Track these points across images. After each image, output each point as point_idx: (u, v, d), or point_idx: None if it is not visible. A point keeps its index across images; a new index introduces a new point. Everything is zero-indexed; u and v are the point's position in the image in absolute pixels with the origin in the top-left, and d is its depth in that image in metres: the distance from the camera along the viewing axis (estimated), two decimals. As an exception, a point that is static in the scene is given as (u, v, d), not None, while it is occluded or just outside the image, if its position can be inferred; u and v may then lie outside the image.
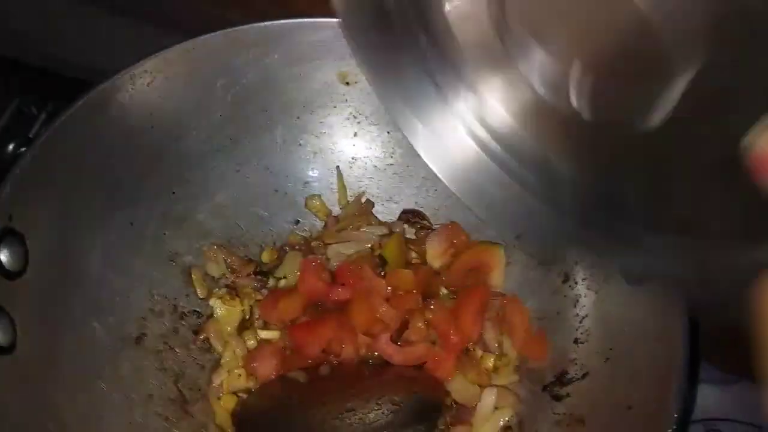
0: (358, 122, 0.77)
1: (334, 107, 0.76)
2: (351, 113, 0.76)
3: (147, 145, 0.69)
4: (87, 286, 0.63)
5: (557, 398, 0.64)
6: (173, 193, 0.71)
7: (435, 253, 0.74)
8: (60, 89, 0.77)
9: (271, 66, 0.71)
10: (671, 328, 0.57)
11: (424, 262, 0.74)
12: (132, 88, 0.66)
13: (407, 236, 0.77)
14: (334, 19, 0.48)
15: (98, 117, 0.64)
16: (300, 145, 0.77)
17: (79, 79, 0.78)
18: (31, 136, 0.81)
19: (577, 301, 0.67)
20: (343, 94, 0.75)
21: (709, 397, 0.81)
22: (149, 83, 0.67)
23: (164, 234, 0.71)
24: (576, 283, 0.68)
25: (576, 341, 0.66)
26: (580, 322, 0.66)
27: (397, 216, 0.79)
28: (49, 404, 0.55)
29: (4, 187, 0.57)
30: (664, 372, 0.56)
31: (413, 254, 0.75)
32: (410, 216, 0.79)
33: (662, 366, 0.57)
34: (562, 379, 0.65)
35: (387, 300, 0.68)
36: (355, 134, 0.77)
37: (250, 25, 0.68)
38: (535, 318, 0.70)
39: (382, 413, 0.58)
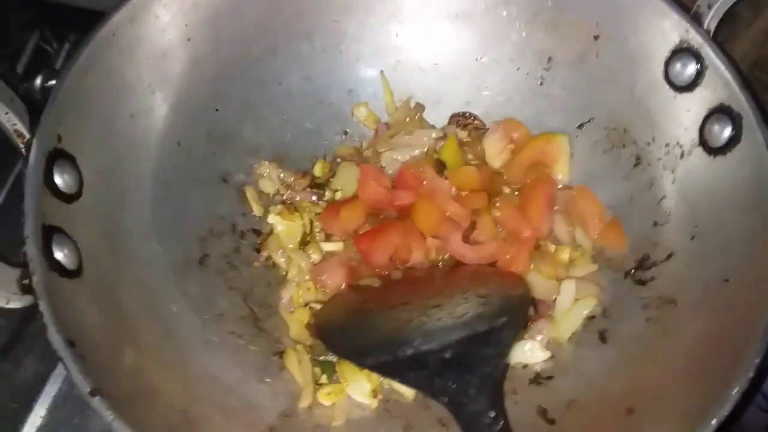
0: (399, 21, 0.73)
1: (373, 7, 0.72)
2: (391, 12, 0.72)
3: (184, 59, 0.65)
4: (143, 209, 0.61)
5: (641, 282, 0.62)
6: (216, 110, 0.68)
7: (494, 152, 0.71)
8: (77, 21, 0.73)
9: (305, -33, 0.67)
10: (764, 195, 0.54)
11: (484, 163, 0.71)
12: (162, 2, 0.62)
13: (461, 138, 0.73)
14: None
15: (131, 31, 0.60)
16: (341, 51, 0.73)
17: (95, 10, 0.74)
18: (57, 68, 0.78)
19: (653, 183, 0.64)
20: (382, -10, 0.70)
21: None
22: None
23: (213, 153, 0.68)
24: (649, 164, 0.65)
25: (655, 224, 0.63)
26: (658, 203, 0.63)
27: (447, 119, 0.75)
28: (124, 326, 0.53)
29: (50, 110, 0.53)
30: (762, 241, 0.53)
31: (470, 156, 0.72)
32: (460, 118, 0.75)
33: (758, 235, 0.54)
34: (644, 263, 0.63)
35: (453, 200, 0.65)
36: (397, 34, 0.73)
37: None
38: (609, 206, 0.67)
39: (470, 306, 0.56)
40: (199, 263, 0.64)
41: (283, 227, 0.66)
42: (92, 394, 0.45)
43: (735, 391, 0.46)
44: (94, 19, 0.59)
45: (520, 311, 0.58)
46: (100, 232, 0.56)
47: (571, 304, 0.63)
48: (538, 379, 0.61)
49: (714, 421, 0.45)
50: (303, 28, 0.70)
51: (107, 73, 0.59)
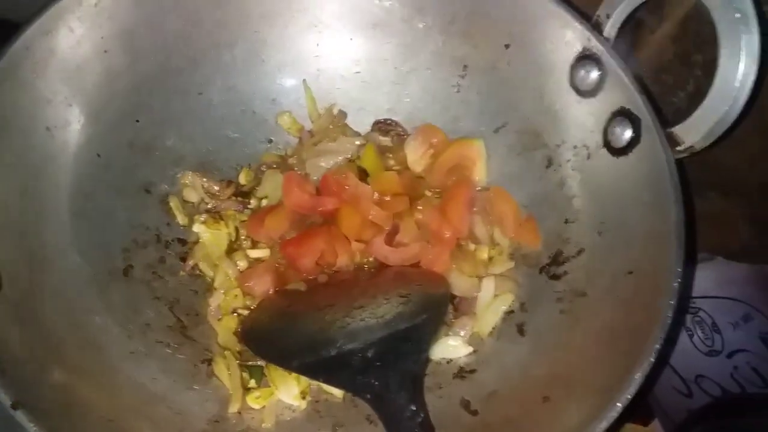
0: (320, 31, 0.74)
1: (293, 17, 0.73)
2: (311, 22, 0.73)
3: (101, 71, 0.65)
4: (63, 222, 0.60)
5: (555, 277, 0.65)
6: (137, 121, 0.68)
7: (415, 157, 0.73)
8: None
9: (224, -24, 0.67)
10: (662, 192, 0.58)
11: (406, 168, 0.73)
12: (79, 11, 0.62)
13: (384, 144, 0.75)
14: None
15: (45, 44, 0.60)
16: (263, 60, 0.74)
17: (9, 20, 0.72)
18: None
19: (564, 183, 0.68)
20: (301, 2, 0.72)
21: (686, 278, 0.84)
22: (96, 4, 0.63)
23: (135, 164, 0.67)
24: (560, 165, 0.68)
25: (566, 221, 0.67)
26: (569, 202, 0.67)
27: (371, 125, 0.77)
28: (47, 340, 0.53)
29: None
30: (660, 234, 0.57)
31: (392, 162, 0.74)
32: (383, 125, 0.77)
33: (657, 229, 0.58)
34: (557, 259, 0.66)
35: (376, 204, 0.67)
36: (318, 44, 0.75)
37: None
38: (523, 206, 0.70)
39: (392, 306, 0.58)
40: (123, 274, 0.63)
41: (209, 236, 0.67)
42: (14, 407, 0.45)
43: (638, 375, 0.50)
44: (8, 30, 0.59)
45: (439, 308, 0.61)
46: (18, 248, 0.55)
47: (490, 300, 0.66)
48: (461, 373, 0.63)
49: (618, 404, 0.49)
50: (224, 39, 0.71)
51: (22, 87, 0.58)
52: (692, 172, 0.78)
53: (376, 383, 0.53)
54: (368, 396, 0.53)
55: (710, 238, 0.85)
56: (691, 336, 0.82)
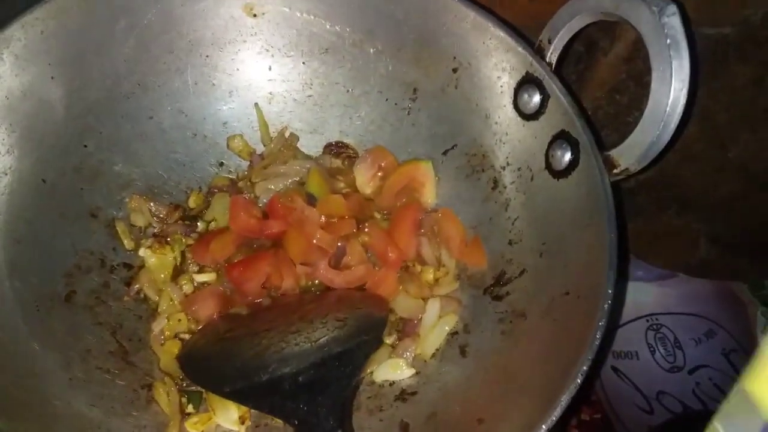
0: (271, 55, 0.75)
1: (244, 42, 0.74)
2: (262, 47, 0.74)
3: (49, 98, 0.65)
4: (2, 247, 0.60)
5: (498, 298, 0.66)
6: (85, 146, 0.68)
7: (364, 179, 0.74)
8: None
9: (171, 4, 0.69)
10: (598, 214, 0.58)
11: (355, 190, 0.74)
12: (25, 38, 0.62)
13: (335, 167, 0.76)
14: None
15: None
16: (214, 85, 0.74)
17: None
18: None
19: (508, 204, 0.68)
20: (252, 27, 0.73)
21: (648, 294, 0.84)
22: (43, 31, 0.63)
23: (81, 189, 0.68)
24: (505, 187, 0.69)
25: (510, 243, 0.67)
26: (513, 223, 0.68)
27: (322, 147, 0.77)
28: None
29: None
30: (596, 255, 0.57)
31: (341, 185, 0.75)
32: (334, 147, 0.78)
33: (594, 250, 0.58)
34: (500, 280, 0.67)
35: (321, 227, 0.68)
36: (270, 68, 0.75)
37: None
38: (470, 227, 0.71)
39: (327, 330, 0.58)
40: (65, 300, 0.63)
41: (155, 260, 0.67)
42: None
43: (563, 398, 0.50)
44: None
45: (375, 332, 0.61)
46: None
47: (435, 322, 0.66)
48: (403, 395, 0.64)
49: (543, 427, 0.49)
50: (174, 64, 0.72)
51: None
52: (653, 189, 0.79)
53: (305, 408, 0.53)
54: (295, 422, 0.53)
55: (671, 254, 0.86)
56: (653, 352, 0.83)
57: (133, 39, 0.69)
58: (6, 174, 0.62)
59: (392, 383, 0.64)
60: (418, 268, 0.70)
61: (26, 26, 0.62)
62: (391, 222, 0.71)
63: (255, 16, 0.72)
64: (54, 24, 0.64)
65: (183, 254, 0.69)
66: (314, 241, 0.66)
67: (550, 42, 0.67)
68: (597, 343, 0.52)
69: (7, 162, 0.62)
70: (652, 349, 0.83)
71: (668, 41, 0.56)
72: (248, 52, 0.74)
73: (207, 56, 0.73)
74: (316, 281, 0.68)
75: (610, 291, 0.54)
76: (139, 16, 0.68)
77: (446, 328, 0.66)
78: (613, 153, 0.61)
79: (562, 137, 0.63)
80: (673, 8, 0.55)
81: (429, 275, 0.69)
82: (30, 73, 0.63)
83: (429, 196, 0.73)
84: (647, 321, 0.85)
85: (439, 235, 0.71)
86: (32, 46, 0.63)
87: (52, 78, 0.65)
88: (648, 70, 0.70)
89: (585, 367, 0.51)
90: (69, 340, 0.61)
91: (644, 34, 0.58)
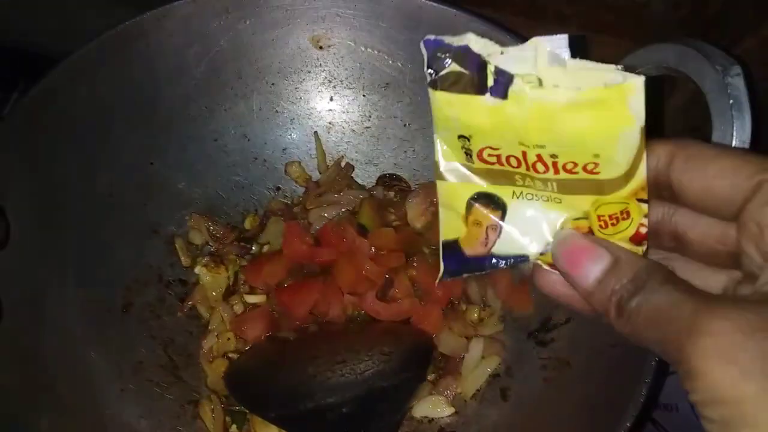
0: (334, 86, 0.77)
1: (309, 72, 0.76)
2: (326, 78, 0.76)
3: (122, 117, 0.68)
4: (69, 257, 0.63)
5: (542, 344, 0.66)
6: (151, 163, 0.71)
7: (415, 214, 0.75)
8: (25, 67, 0.76)
9: (243, 32, 0.71)
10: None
11: (406, 223, 0.75)
12: (102, 60, 0.66)
13: (387, 199, 0.77)
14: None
15: (69, 90, 0.64)
16: (277, 112, 0.77)
17: (42, 55, 0.77)
18: (2, 115, 0.80)
19: (558, 250, 0.68)
20: (317, 59, 0.75)
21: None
22: (120, 54, 0.67)
23: (144, 205, 0.71)
24: (556, 233, 0.69)
25: (558, 288, 0.67)
26: (562, 269, 0.68)
27: (376, 179, 0.79)
28: (40, 373, 0.55)
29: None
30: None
31: (393, 217, 0.76)
32: (387, 180, 0.79)
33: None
34: (546, 325, 0.67)
35: (371, 259, 0.69)
36: (331, 98, 0.78)
37: (221, -8, 0.68)
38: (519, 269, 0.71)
39: (373, 363, 0.59)
40: (123, 311, 0.66)
41: (208, 278, 0.69)
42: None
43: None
44: (43, 64, 0.63)
45: (419, 369, 0.62)
46: (22, 280, 0.58)
47: (477, 362, 0.66)
48: (441, 433, 0.64)
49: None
50: (240, 90, 0.74)
51: (42, 129, 0.62)
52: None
53: (348, 440, 0.54)
54: (338, 453, 0.54)
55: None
56: (693, 407, 0.81)
57: (205, 64, 0.71)
58: (81, 185, 0.65)
59: (431, 420, 0.65)
60: (464, 306, 0.70)
61: (104, 49, 0.65)
62: (440, 258, 0.71)
63: (321, 48, 0.74)
64: (131, 48, 0.67)
65: (236, 275, 0.71)
66: (363, 272, 0.68)
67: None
68: (642, 400, 0.51)
69: (81, 175, 0.65)
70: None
71: (731, 101, 0.56)
72: (312, 83, 0.76)
73: (272, 84, 0.75)
74: (362, 312, 0.69)
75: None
76: (212, 43, 0.70)
77: (488, 369, 0.66)
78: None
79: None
80: (737, 69, 0.55)
81: (474, 314, 0.69)
82: (105, 92, 0.66)
83: (479, 235, 0.73)
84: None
85: (486, 274, 0.71)
86: (109, 68, 0.66)
87: (126, 98, 0.68)
88: (705, 121, 0.71)
89: (628, 424, 0.51)
90: (123, 350, 0.64)
91: (707, 92, 0.58)
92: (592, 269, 0.34)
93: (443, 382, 0.66)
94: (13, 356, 0.54)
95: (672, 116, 0.78)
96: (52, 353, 0.58)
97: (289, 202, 0.77)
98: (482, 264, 0.38)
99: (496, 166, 0.36)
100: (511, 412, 0.63)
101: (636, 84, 0.32)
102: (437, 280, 0.40)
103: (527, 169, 0.36)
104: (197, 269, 0.69)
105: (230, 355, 0.67)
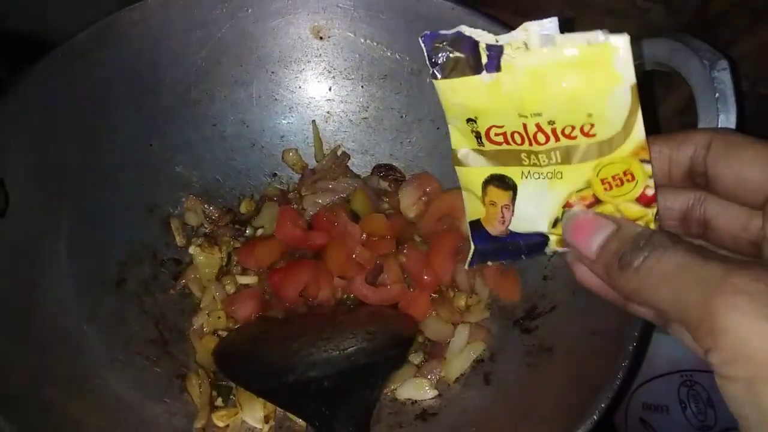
0: (333, 77, 0.79)
1: (309, 62, 0.77)
2: (325, 68, 0.78)
3: (123, 97, 0.70)
4: (66, 232, 0.65)
5: (527, 331, 0.67)
6: (150, 145, 0.73)
7: (408, 203, 0.76)
8: (18, 51, 0.77)
9: (245, 20, 0.73)
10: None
11: (399, 212, 0.76)
12: (104, 43, 0.68)
13: (382, 188, 0.78)
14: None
15: (73, 68, 0.66)
16: (276, 99, 0.78)
17: (40, 39, 0.78)
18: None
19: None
20: (317, 49, 0.77)
21: (686, 350, 0.83)
22: (122, 38, 0.68)
23: (142, 185, 0.72)
24: (545, 223, 0.70)
25: (545, 278, 0.68)
26: (549, 260, 0.69)
27: (371, 168, 0.80)
28: (30, 340, 0.57)
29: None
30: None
31: (386, 206, 0.77)
32: (382, 170, 0.80)
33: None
34: (531, 313, 0.68)
35: (362, 244, 0.70)
36: (330, 89, 0.79)
37: (225, -21, 0.70)
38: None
39: (357, 341, 0.60)
40: (116, 286, 0.68)
41: (202, 258, 0.70)
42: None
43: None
44: (37, 49, 0.64)
45: (400, 349, 0.63)
46: (20, 249, 0.60)
47: (462, 347, 0.67)
48: (424, 415, 0.65)
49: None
50: (241, 77, 0.76)
51: (43, 105, 0.64)
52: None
53: (327, 411, 0.55)
54: (316, 423, 0.55)
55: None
56: (684, 409, 0.82)
57: (206, 51, 0.73)
58: (79, 163, 0.67)
59: (414, 402, 0.66)
60: (452, 293, 0.71)
61: (112, 28, 0.67)
62: (430, 246, 0.73)
63: (321, 38, 0.76)
64: (135, 30, 0.69)
65: (230, 256, 0.72)
66: (354, 256, 0.69)
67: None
68: (618, 382, 0.52)
69: (79, 151, 0.67)
70: (683, 405, 0.82)
71: (717, 95, 0.57)
72: (311, 72, 0.78)
73: (272, 72, 0.77)
74: (352, 295, 0.70)
75: (636, 333, 0.54)
76: (214, 30, 0.72)
77: (473, 354, 0.67)
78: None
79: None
80: (724, 63, 0.56)
81: (461, 301, 0.70)
82: (108, 72, 0.68)
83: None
84: (681, 376, 0.83)
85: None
86: (114, 49, 0.68)
87: (127, 78, 0.70)
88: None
89: (603, 405, 0.52)
90: (114, 324, 0.65)
91: (694, 86, 0.59)
92: (596, 237, 0.36)
93: (428, 365, 0.67)
94: (2, 321, 0.55)
95: (667, 118, 0.78)
96: (43, 320, 0.59)
97: (284, 189, 0.79)
98: (505, 245, 0.41)
99: (504, 146, 0.39)
100: (493, 395, 0.64)
101: (619, 42, 0.33)
102: (466, 264, 0.43)
103: (530, 144, 0.37)
104: (191, 249, 0.71)
105: (220, 332, 0.68)
